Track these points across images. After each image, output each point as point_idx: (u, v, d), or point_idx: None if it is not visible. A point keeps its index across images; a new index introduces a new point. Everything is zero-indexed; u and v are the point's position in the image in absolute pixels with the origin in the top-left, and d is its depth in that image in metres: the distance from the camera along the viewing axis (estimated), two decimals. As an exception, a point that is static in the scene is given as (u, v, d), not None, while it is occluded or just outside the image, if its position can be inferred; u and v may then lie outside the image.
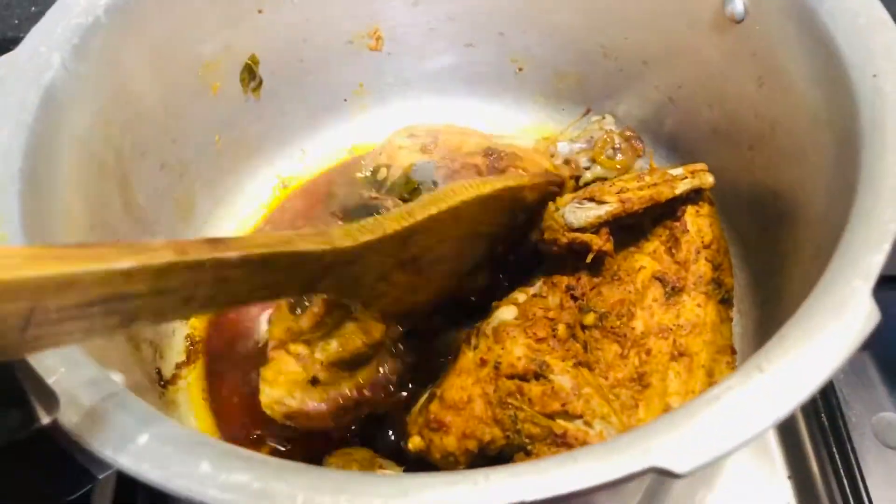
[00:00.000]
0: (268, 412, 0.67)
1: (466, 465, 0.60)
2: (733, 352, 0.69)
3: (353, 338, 0.68)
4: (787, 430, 0.82)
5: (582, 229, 0.69)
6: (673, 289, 0.68)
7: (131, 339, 0.74)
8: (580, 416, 0.59)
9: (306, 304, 0.71)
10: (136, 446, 0.43)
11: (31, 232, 0.57)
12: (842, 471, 0.75)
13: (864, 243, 0.49)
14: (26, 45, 0.66)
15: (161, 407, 0.77)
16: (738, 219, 0.83)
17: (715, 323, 0.67)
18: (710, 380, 0.64)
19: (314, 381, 0.68)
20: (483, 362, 0.63)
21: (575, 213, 0.70)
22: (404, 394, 0.72)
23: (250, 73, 0.86)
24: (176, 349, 0.82)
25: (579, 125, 0.95)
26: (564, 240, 0.69)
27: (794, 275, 0.67)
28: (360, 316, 0.69)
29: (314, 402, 0.67)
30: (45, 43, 0.65)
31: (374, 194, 0.85)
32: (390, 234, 0.57)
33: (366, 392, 0.69)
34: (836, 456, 0.76)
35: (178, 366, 0.81)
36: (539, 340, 0.62)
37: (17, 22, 1.09)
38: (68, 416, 0.44)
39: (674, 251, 0.71)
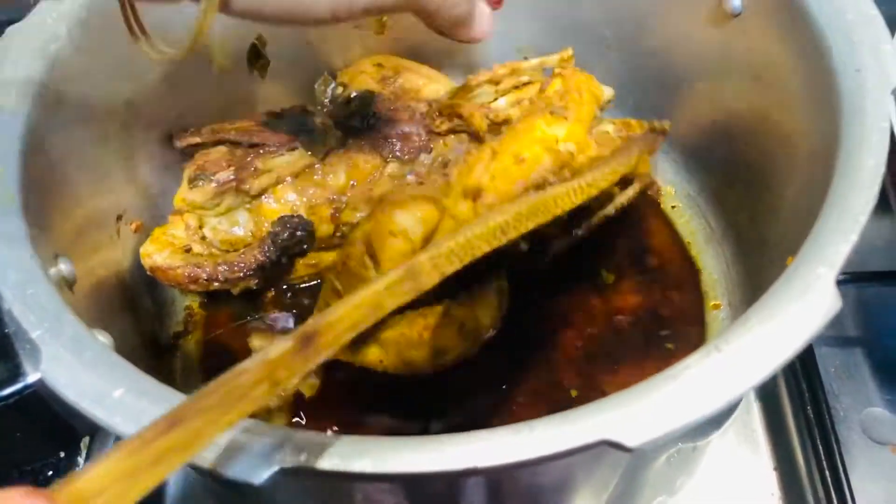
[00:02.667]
0: (141, 258, 0.77)
1: None
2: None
3: (246, 225, 0.78)
4: (774, 421, 0.82)
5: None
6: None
7: (131, 305, 0.76)
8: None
9: (202, 182, 0.77)
10: (111, 400, 0.45)
11: (29, 200, 0.59)
12: (825, 464, 0.76)
13: (833, 233, 0.49)
14: (34, 16, 0.68)
15: (155, 375, 0.78)
16: (733, 213, 0.84)
17: (538, 126, 0.71)
18: (518, 158, 0.69)
19: (187, 249, 0.77)
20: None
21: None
22: (255, 281, 0.78)
23: (256, 54, 0.87)
24: (175, 318, 0.84)
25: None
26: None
27: (776, 269, 0.67)
28: (253, 210, 0.78)
29: (175, 265, 0.76)
30: (52, 14, 0.67)
31: (307, 107, 0.86)
32: (478, 255, 0.55)
33: (220, 269, 0.76)
34: (821, 449, 0.77)
35: (176, 335, 0.83)
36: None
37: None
38: (49, 370, 0.46)
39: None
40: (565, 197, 0.63)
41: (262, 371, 0.38)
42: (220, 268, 0.75)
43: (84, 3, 0.69)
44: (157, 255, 0.76)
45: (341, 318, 0.43)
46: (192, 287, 0.77)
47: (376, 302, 0.45)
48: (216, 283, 0.76)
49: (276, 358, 0.39)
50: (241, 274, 0.75)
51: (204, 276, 0.75)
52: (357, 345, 0.67)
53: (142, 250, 0.77)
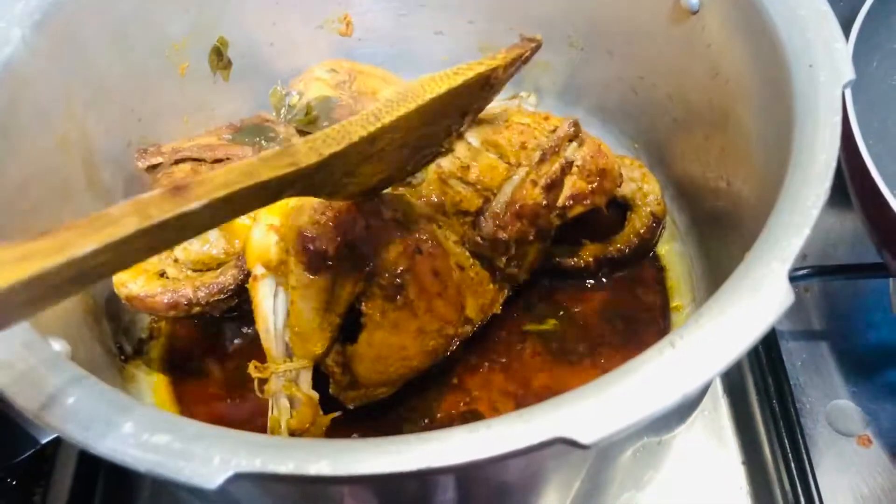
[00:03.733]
0: (116, 289, 0.75)
1: None
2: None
3: (216, 244, 0.77)
4: (742, 415, 0.83)
5: None
6: None
7: (91, 312, 0.75)
8: None
9: None
10: (63, 406, 0.45)
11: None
12: (791, 456, 0.77)
13: (787, 227, 0.50)
14: (-14, 20, 0.67)
15: (120, 381, 0.78)
16: (696, 210, 0.84)
17: None
18: None
19: (162, 274, 0.75)
20: None
21: None
22: (236, 300, 0.75)
23: (219, 55, 0.86)
24: (139, 325, 0.83)
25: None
26: None
27: (736, 265, 0.68)
28: (224, 227, 0.76)
29: (153, 292, 0.74)
30: (4, 18, 0.66)
31: (267, 116, 0.85)
32: (356, 140, 0.56)
33: (200, 293, 0.74)
34: (787, 442, 0.78)
35: (140, 341, 0.82)
36: None
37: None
38: (1, 378, 0.46)
39: None
40: (431, 83, 0.64)
41: (134, 206, 0.41)
42: (199, 291, 0.73)
43: (39, 5, 0.68)
44: (132, 283, 0.74)
45: (214, 177, 0.45)
46: (172, 313, 0.74)
47: (250, 170, 0.47)
48: (197, 308, 0.74)
49: (149, 199, 0.42)
50: (223, 295, 0.73)
51: (184, 301, 0.73)
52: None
53: (115, 279, 0.75)
